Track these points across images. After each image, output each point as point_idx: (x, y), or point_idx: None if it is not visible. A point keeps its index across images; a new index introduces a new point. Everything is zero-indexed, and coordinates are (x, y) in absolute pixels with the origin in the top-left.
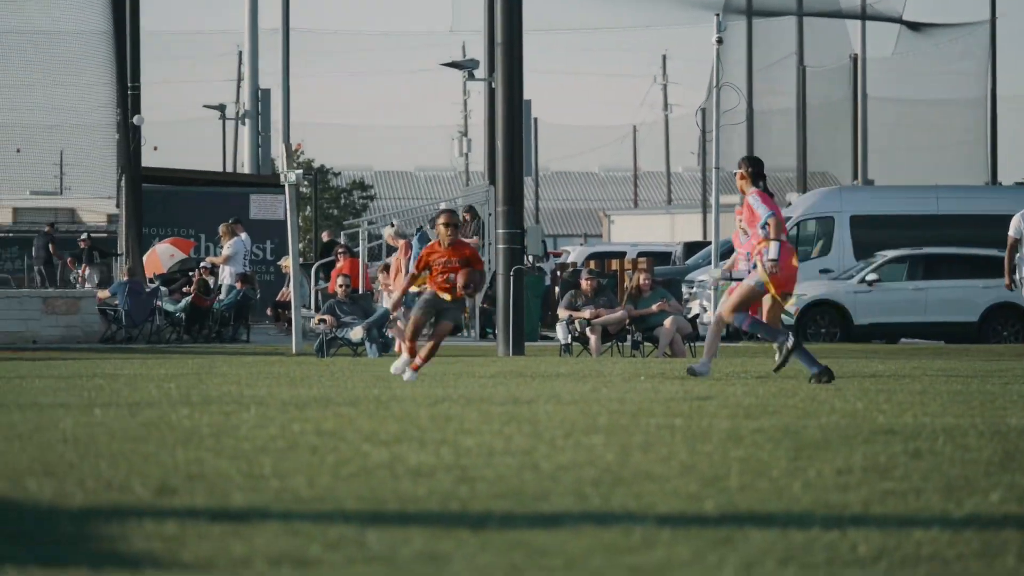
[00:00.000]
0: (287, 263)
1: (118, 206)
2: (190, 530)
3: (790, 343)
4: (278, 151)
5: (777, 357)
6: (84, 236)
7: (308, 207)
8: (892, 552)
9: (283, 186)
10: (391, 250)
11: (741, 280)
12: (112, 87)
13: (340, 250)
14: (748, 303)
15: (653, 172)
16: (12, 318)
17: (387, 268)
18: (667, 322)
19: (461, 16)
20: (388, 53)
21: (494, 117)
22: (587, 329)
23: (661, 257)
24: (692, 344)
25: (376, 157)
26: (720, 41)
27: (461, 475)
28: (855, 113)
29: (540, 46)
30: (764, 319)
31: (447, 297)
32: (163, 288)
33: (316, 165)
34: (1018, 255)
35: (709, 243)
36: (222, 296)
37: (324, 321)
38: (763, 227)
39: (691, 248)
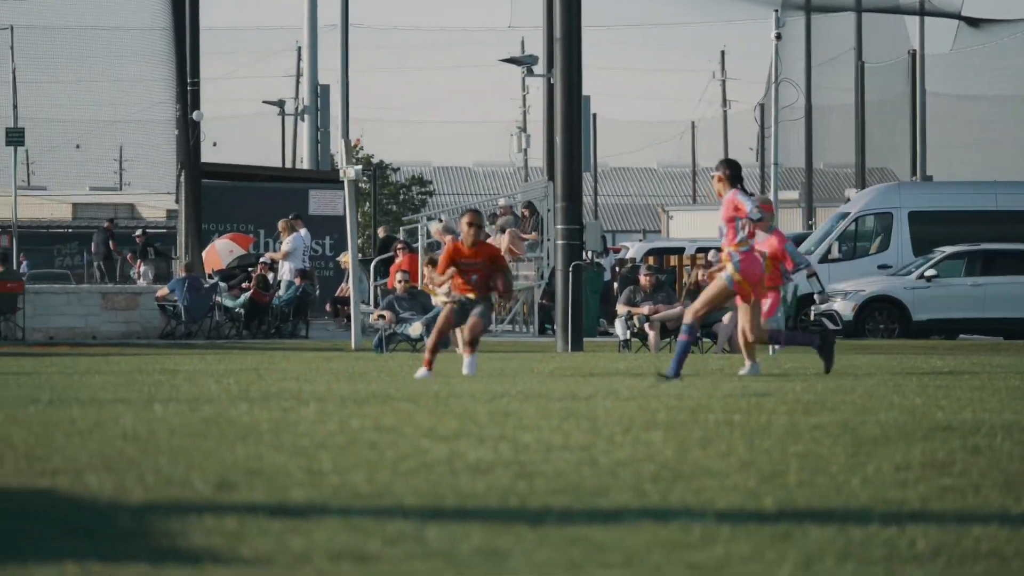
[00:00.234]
0: (346, 259)
1: (177, 202)
2: (249, 526)
3: (816, 343)
4: (337, 147)
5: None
6: (139, 232)
7: (367, 203)
8: (951, 548)
9: (342, 182)
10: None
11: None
12: (172, 83)
13: (399, 246)
14: (717, 302)
15: (711, 168)
16: (72, 314)
17: (432, 263)
18: (725, 318)
19: (520, 12)
20: (447, 49)
21: (553, 113)
22: (646, 325)
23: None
24: None
25: (435, 153)
26: (779, 37)
27: (520, 471)
28: (913, 109)
29: (599, 42)
30: (749, 324)
31: (472, 296)
32: (222, 284)
33: (375, 161)
34: None
35: None
36: (281, 292)
37: (383, 317)
38: (756, 218)
39: None
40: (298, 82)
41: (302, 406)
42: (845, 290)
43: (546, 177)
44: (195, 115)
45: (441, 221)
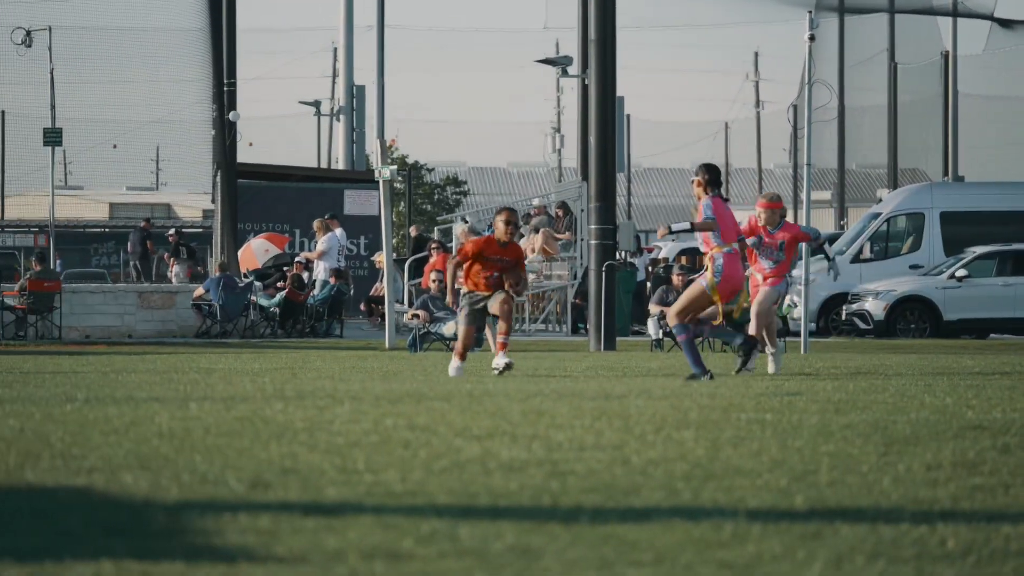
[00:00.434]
0: (381, 258)
1: (213, 201)
2: (284, 524)
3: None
4: (372, 147)
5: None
6: (172, 231)
7: (402, 203)
8: (981, 547)
9: (377, 182)
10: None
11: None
12: (208, 83)
13: (433, 245)
14: (695, 305)
15: (744, 168)
16: (108, 312)
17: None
18: None
19: (555, 13)
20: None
21: (587, 113)
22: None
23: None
24: (783, 339)
25: (469, 153)
26: (812, 38)
27: (552, 470)
28: (946, 110)
29: (633, 43)
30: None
31: (485, 294)
32: (257, 283)
33: (410, 161)
34: None
35: None
36: (316, 291)
37: (417, 316)
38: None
39: None
40: (334, 83)
41: (336, 405)
42: (877, 290)
43: (580, 177)
44: (231, 115)
45: (466, 222)
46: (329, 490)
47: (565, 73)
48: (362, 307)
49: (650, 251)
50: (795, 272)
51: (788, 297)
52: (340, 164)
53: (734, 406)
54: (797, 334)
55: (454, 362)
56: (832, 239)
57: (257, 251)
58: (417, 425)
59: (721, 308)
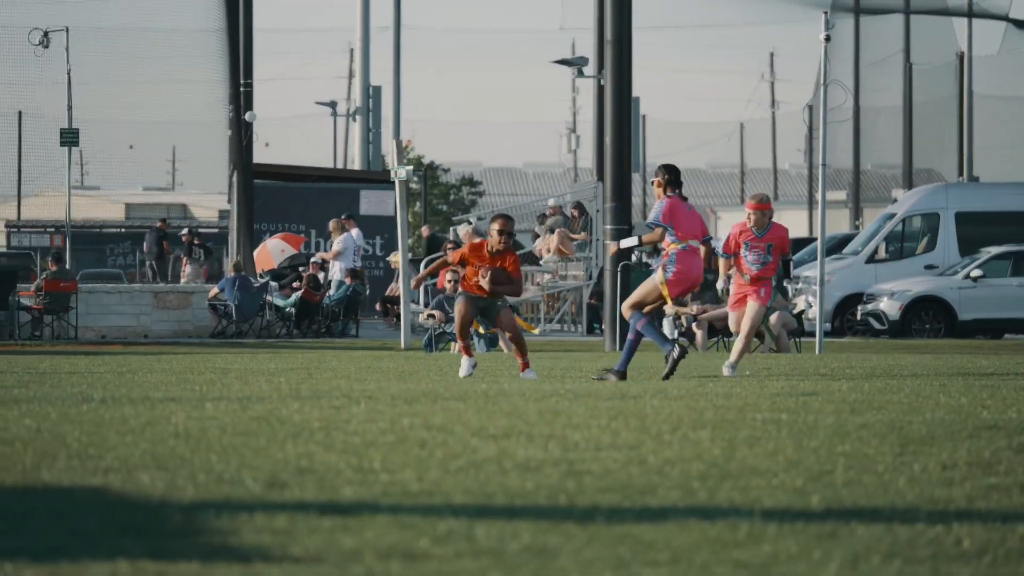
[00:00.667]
0: (396, 258)
1: (229, 202)
2: (300, 524)
3: (676, 352)
4: (388, 147)
5: (673, 353)
6: (185, 231)
7: (417, 203)
8: (997, 547)
9: (393, 182)
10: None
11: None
12: (225, 84)
13: (448, 245)
14: (648, 300)
15: (759, 168)
16: (124, 312)
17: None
18: (772, 317)
19: (571, 14)
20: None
21: (603, 114)
22: (693, 324)
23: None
24: (797, 340)
25: (485, 153)
26: (828, 39)
27: (568, 469)
28: (961, 110)
29: (649, 43)
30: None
31: (482, 296)
32: (273, 283)
33: (426, 161)
34: None
35: (815, 239)
36: (332, 291)
37: (433, 316)
38: (649, 226)
39: (797, 244)
40: (350, 83)
41: (352, 405)
42: (892, 290)
43: (595, 178)
44: (248, 116)
45: (470, 223)
46: (345, 490)
47: (581, 73)
48: (377, 307)
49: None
50: (808, 272)
51: (803, 298)
52: (356, 164)
53: (750, 406)
54: (812, 334)
55: (464, 362)
56: (846, 240)
57: (273, 251)
58: (433, 425)
59: (668, 300)
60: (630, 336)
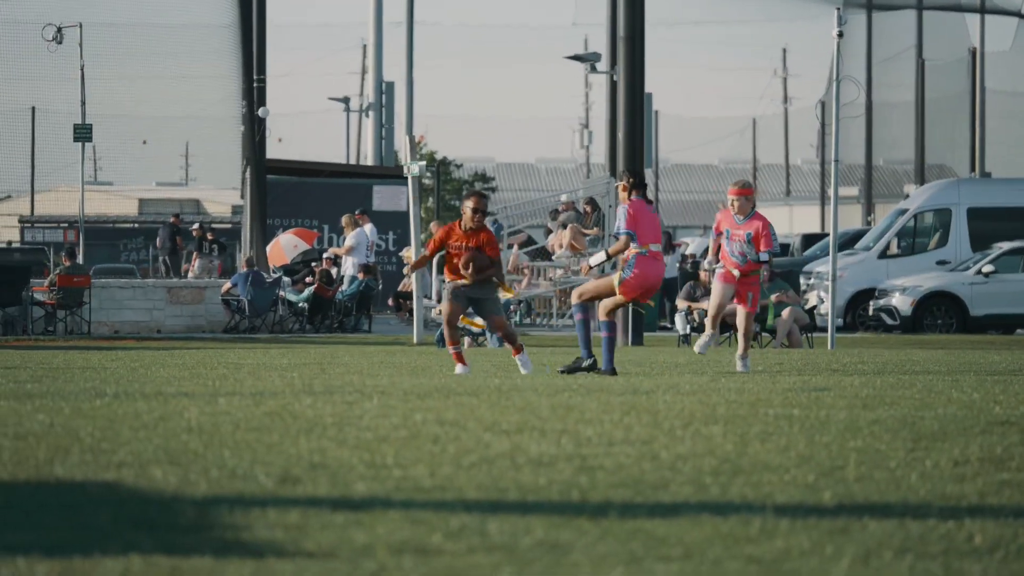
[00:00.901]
0: (409, 254)
1: (242, 197)
2: (312, 519)
3: (587, 363)
4: (401, 143)
5: (584, 363)
6: (196, 226)
7: (430, 198)
8: (1009, 543)
9: (406, 178)
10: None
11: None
12: (238, 79)
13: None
14: (600, 294)
15: (772, 164)
16: (137, 308)
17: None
18: (784, 313)
19: (583, 9)
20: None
21: (616, 110)
22: (705, 320)
23: (779, 249)
24: (809, 335)
25: (498, 149)
26: (841, 35)
27: (581, 465)
28: (973, 106)
29: (661, 39)
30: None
31: (466, 282)
32: (286, 278)
33: (439, 157)
34: None
35: (827, 235)
36: (344, 286)
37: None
38: (615, 235)
39: (809, 240)
40: (363, 79)
41: (365, 400)
42: (904, 285)
43: (608, 173)
44: (261, 111)
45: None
46: (358, 485)
47: (594, 69)
48: (390, 302)
49: (677, 246)
50: (821, 268)
51: (815, 293)
52: (369, 160)
53: (762, 401)
54: (824, 329)
55: (458, 369)
56: (858, 236)
57: (286, 247)
58: (446, 420)
59: (613, 304)
60: (604, 335)
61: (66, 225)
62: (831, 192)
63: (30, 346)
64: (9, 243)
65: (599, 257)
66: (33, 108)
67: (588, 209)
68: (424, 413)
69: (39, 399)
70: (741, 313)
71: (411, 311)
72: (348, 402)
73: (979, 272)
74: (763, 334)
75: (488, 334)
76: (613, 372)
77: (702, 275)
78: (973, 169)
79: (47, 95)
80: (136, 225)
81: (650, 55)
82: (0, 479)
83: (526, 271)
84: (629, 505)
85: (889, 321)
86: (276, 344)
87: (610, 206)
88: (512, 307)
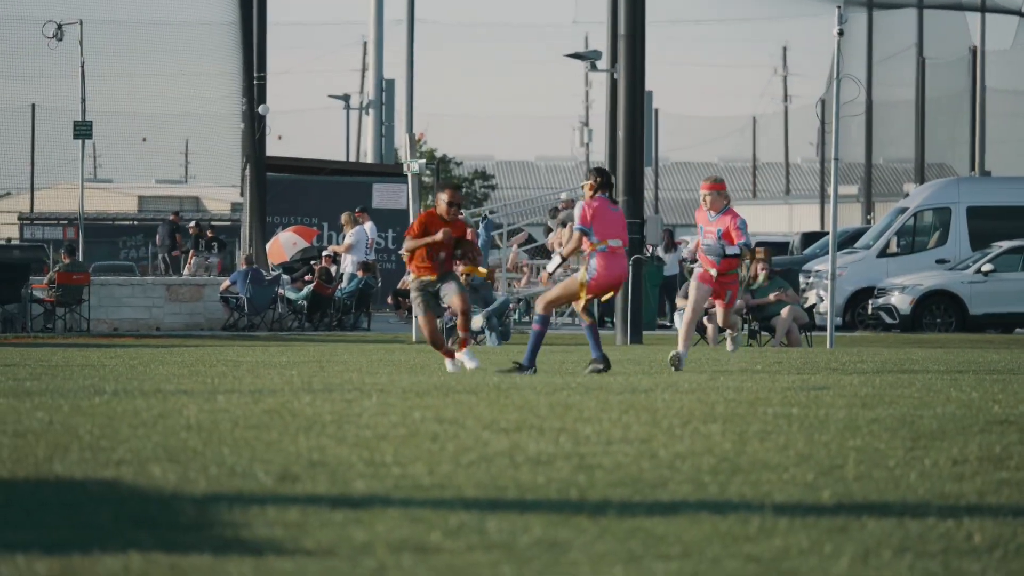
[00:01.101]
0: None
1: (242, 195)
2: (312, 517)
3: (529, 372)
4: (401, 141)
5: (525, 371)
6: (193, 223)
7: (430, 196)
8: (1008, 542)
9: (406, 175)
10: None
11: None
12: (238, 77)
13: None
14: (566, 298)
15: (771, 163)
16: (136, 305)
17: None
18: (784, 311)
19: (584, 7)
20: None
21: (616, 108)
22: (704, 318)
23: (779, 247)
24: (808, 334)
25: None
26: (841, 33)
27: (580, 463)
28: (973, 105)
29: (662, 37)
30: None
31: (432, 278)
32: (285, 276)
33: (438, 155)
34: None
35: (826, 233)
36: (344, 284)
37: (445, 309)
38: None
39: (808, 238)
40: (363, 77)
41: (364, 398)
42: (903, 284)
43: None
44: (261, 109)
45: (461, 214)
46: (357, 483)
47: (594, 67)
48: (389, 300)
49: (677, 244)
50: (820, 267)
51: (814, 291)
52: (369, 158)
53: (760, 400)
54: (824, 328)
55: (447, 365)
56: (858, 234)
57: (285, 244)
58: (445, 418)
59: (584, 302)
60: (535, 327)
61: (65, 222)
62: (831, 190)
63: (29, 343)
64: (8, 240)
65: (555, 263)
66: (33, 105)
67: None
68: (423, 411)
69: (38, 396)
70: (720, 312)
71: (410, 309)
72: (347, 400)
73: (978, 271)
74: (762, 333)
75: (487, 332)
76: (533, 369)
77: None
78: (973, 168)
79: (47, 92)
80: (136, 222)
81: (650, 53)
82: None
83: (525, 269)
84: (628, 503)
85: (888, 320)
86: (275, 342)
87: None
88: (512, 305)
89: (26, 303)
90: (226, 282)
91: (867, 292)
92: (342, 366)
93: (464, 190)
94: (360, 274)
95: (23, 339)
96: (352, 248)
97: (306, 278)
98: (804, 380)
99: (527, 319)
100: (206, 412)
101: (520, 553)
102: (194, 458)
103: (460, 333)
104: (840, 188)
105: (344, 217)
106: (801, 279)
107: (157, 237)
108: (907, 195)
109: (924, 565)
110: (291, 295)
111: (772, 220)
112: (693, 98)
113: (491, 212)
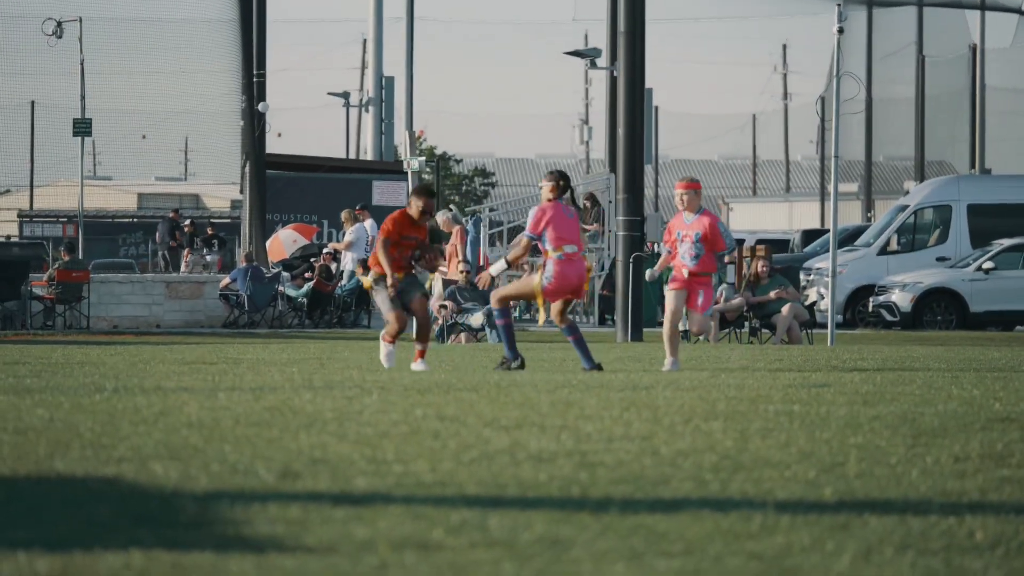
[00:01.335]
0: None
1: (242, 192)
2: (313, 514)
3: (516, 364)
4: (401, 138)
5: (512, 364)
6: (188, 222)
7: None
8: (1009, 539)
9: (405, 173)
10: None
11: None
12: (238, 74)
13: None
14: (520, 296)
15: (772, 160)
16: (136, 303)
17: (441, 253)
18: (784, 309)
19: (584, 5)
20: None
21: (616, 105)
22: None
23: (779, 245)
24: (809, 331)
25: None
26: (841, 31)
27: (581, 460)
28: (973, 102)
29: (662, 34)
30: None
31: (400, 276)
32: (285, 273)
33: (438, 152)
34: None
35: (827, 231)
36: (344, 282)
37: (445, 307)
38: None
39: (809, 236)
40: (363, 74)
41: (365, 395)
42: (904, 282)
43: (608, 169)
44: (260, 106)
45: (451, 211)
46: (359, 480)
47: (594, 65)
48: None
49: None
50: (820, 264)
51: (815, 289)
52: (368, 155)
53: (762, 397)
54: (824, 326)
55: (384, 347)
56: (858, 232)
57: (285, 242)
58: (446, 415)
59: (545, 306)
60: (499, 322)
61: (65, 220)
62: (831, 188)
63: (29, 341)
64: (8, 237)
65: (499, 266)
66: (33, 103)
67: (588, 204)
68: (424, 408)
69: (38, 394)
70: (694, 319)
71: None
72: (348, 397)
73: (979, 268)
74: (763, 330)
75: (487, 329)
76: (520, 360)
77: None
78: (973, 165)
79: (47, 90)
80: (135, 220)
81: (650, 50)
82: (0, 474)
83: (525, 267)
84: (629, 501)
85: (889, 317)
86: (275, 339)
87: (610, 201)
88: (512, 303)
89: (26, 300)
90: (226, 279)
91: (868, 290)
92: (342, 363)
93: (464, 187)
94: (360, 271)
95: (23, 336)
96: (352, 245)
97: (306, 275)
98: (805, 378)
99: (527, 316)
100: (207, 409)
101: (522, 550)
102: (195, 455)
103: (417, 345)
104: (840, 186)
105: (344, 214)
106: (802, 277)
107: (157, 235)
108: (907, 193)
109: (926, 562)
110: (291, 292)
111: (772, 218)
112: (693, 95)
113: (491, 210)
